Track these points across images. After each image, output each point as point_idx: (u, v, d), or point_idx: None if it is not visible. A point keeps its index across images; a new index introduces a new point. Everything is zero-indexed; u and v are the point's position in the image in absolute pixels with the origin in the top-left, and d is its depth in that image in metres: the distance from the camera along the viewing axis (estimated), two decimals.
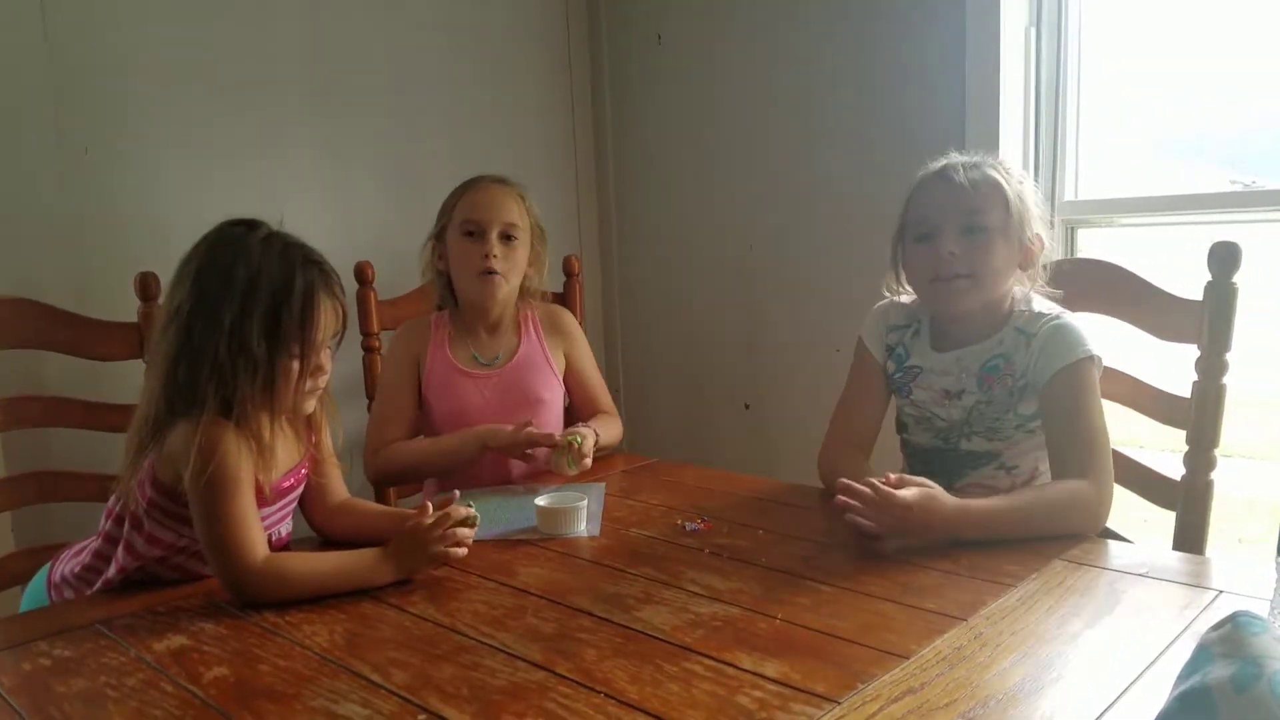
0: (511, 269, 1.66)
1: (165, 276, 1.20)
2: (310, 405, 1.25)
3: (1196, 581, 1.06)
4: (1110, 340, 1.38)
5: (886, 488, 1.15)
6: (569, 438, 1.55)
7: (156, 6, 1.84)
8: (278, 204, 1.94)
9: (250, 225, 1.17)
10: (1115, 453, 1.31)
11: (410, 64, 2.22)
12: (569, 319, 1.81)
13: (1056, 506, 1.20)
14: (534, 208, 1.71)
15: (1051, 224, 1.50)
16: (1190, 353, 1.34)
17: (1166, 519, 1.37)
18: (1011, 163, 1.40)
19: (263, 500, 1.18)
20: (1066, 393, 1.27)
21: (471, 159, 2.04)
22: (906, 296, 1.47)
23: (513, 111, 2.43)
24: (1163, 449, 1.57)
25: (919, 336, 1.44)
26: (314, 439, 1.31)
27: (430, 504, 1.21)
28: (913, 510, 1.14)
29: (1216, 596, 1.00)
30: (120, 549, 1.19)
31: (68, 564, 1.27)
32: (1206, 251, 1.32)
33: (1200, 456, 1.32)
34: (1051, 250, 1.39)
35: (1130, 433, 1.60)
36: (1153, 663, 0.87)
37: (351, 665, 0.94)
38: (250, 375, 1.12)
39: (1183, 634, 0.92)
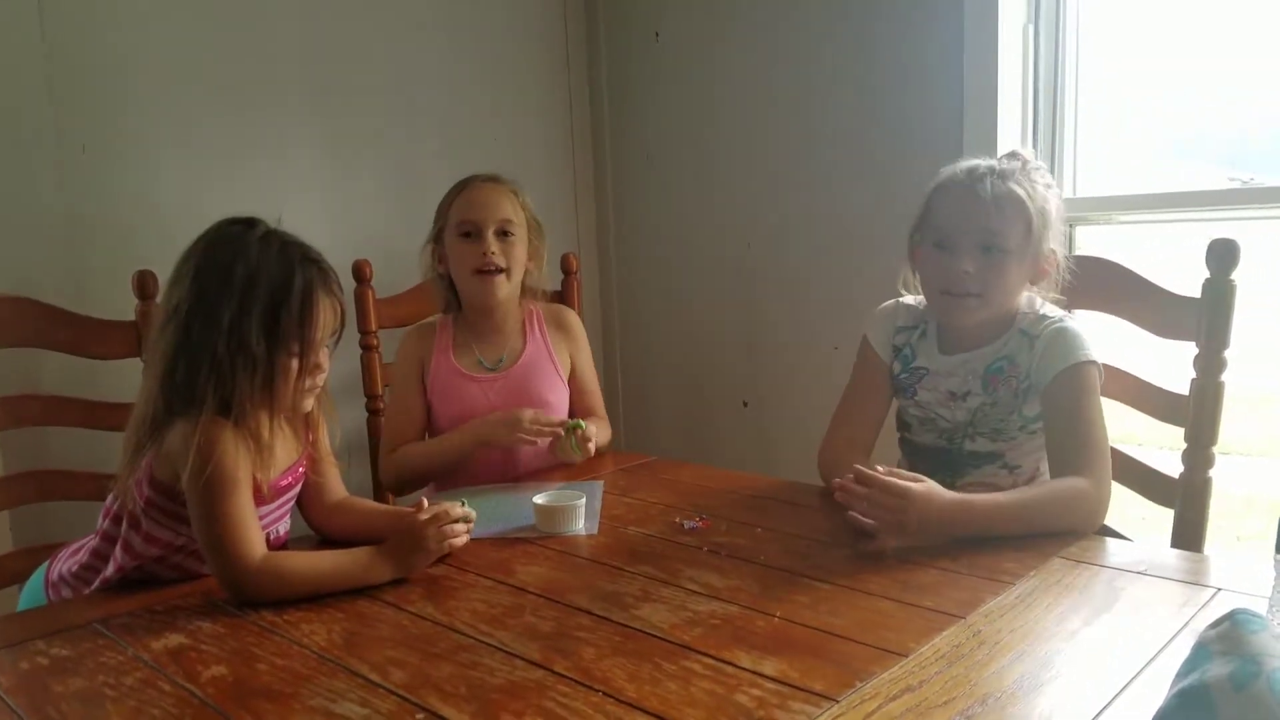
0: (511, 266, 1.66)
1: (164, 275, 1.20)
2: (309, 404, 1.25)
3: (1195, 579, 1.06)
4: (1109, 338, 1.39)
5: (885, 476, 1.15)
6: (573, 422, 1.58)
7: (155, 5, 1.83)
8: (276, 202, 1.94)
9: (249, 224, 1.17)
10: (1114, 450, 1.32)
11: (409, 63, 2.22)
12: (574, 319, 1.81)
13: (1056, 503, 1.20)
14: (529, 202, 1.71)
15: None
16: (1189, 350, 1.34)
17: (1165, 516, 1.37)
18: (1040, 169, 1.36)
19: (260, 499, 1.18)
20: (1067, 393, 1.28)
21: (469, 157, 2.04)
22: (912, 297, 1.47)
23: (511, 110, 2.43)
24: (1161, 446, 1.57)
25: (926, 338, 1.44)
26: (311, 438, 1.31)
27: (426, 501, 1.21)
28: (911, 499, 1.14)
29: (1215, 594, 1.00)
30: (118, 548, 1.19)
31: (66, 563, 1.27)
32: (1205, 249, 1.31)
33: (1199, 454, 1.32)
34: (1065, 266, 1.38)
35: (1128, 430, 1.60)
36: (1151, 660, 0.87)
37: (349, 664, 0.94)
38: (249, 373, 1.12)
39: (1181, 631, 0.92)
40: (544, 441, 1.60)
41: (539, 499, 1.34)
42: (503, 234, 1.65)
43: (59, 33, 1.73)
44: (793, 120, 2.22)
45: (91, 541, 1.24)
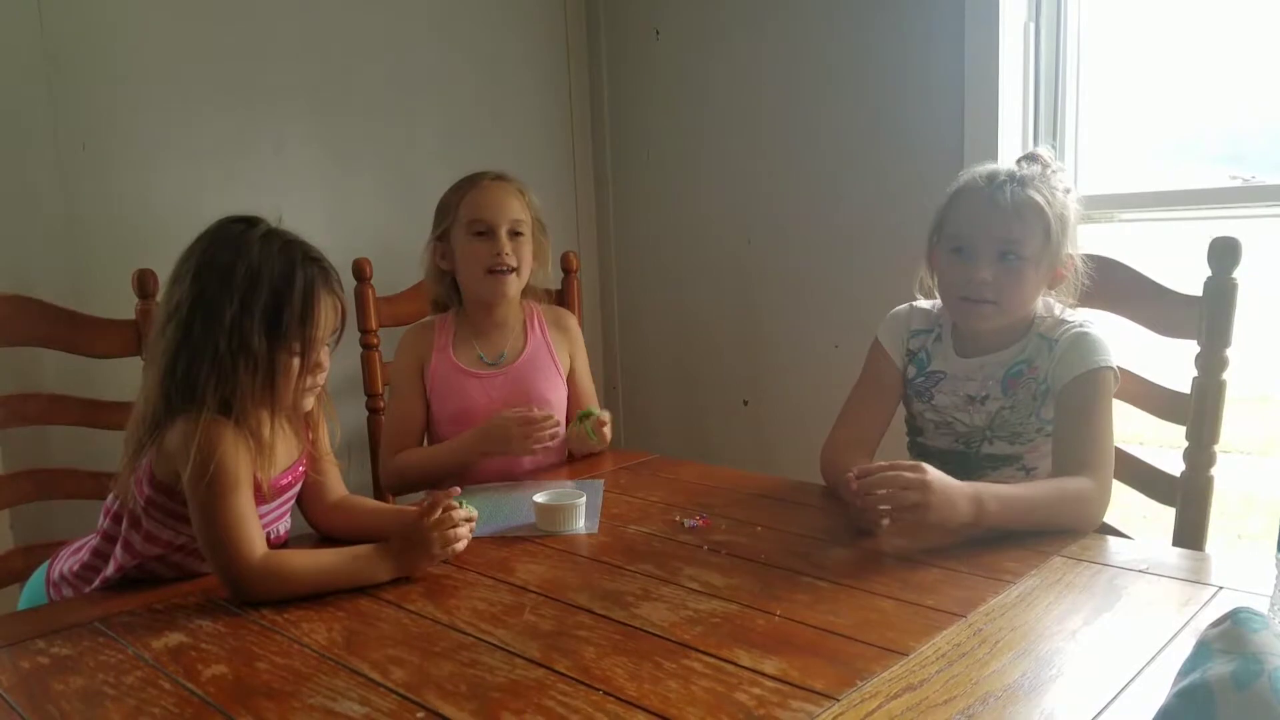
0: (521, 265, 1.66)
1: (163, 273, 1.20)
2: (309, 403, 1.25)
3: (1196, 578, 1.06)
4: (1110, 336, 1.38)
5: (906, 463, 1.14)
6: (584, 410, 1.60)
7: (154, 3, 1.83)
8: (276, 201, 1.92)
9: (249, 222, 1.17)
10: (1115, 449, 1.31)
11: (408, 61, 2.21)
12: (573, 321, 1.81)
13: (1062, 502, 1.20)
14: (535, 202, 1.71)
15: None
16: (1190, 348, 1.34)
17: (1166, 515, 1.37)
18: (1059, 172, 1.35)
19: (261, 498, 1.18)
20: (1080, 396, 1.28)
21: (469, 156, 2.04)
22: (925, 301, 1.47)
23: (511, 108, 2.42)
24: (1162, 445, 1.57)
25: (941, 341, 1.44)
26: (311, 437, 1.31)
27: (428, 502, 1.21)
28: (929, 473, 1.13)
29: (1216, 593, 1.00)
30: (119, 547, 1.19)
31: (66, 562, 1.27)
32: (1206, 247, 1.31)
33: (1200, 453, 1.32)
34: (1082, 271, 1.38)
35: (1130, 429, 1.60)
36: (1153, 659, 0.87)
37: (350, 663, 0.93)
38: (250, 371, 1.12)
39: (1182, 630, 0.92)
40: (548, 445, 1.60)
41: (539, 498, 1.34)
42: (514, 233, 1.65)
43: (59, 31, 1.73)
44: (793, 117, 2.22)
45: (92, 540, 1.24)
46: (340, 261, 1.28)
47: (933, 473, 1.13)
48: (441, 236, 1.69)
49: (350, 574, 1.12)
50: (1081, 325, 1.33)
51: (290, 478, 1.26)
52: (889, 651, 0.90)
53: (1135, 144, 2.01)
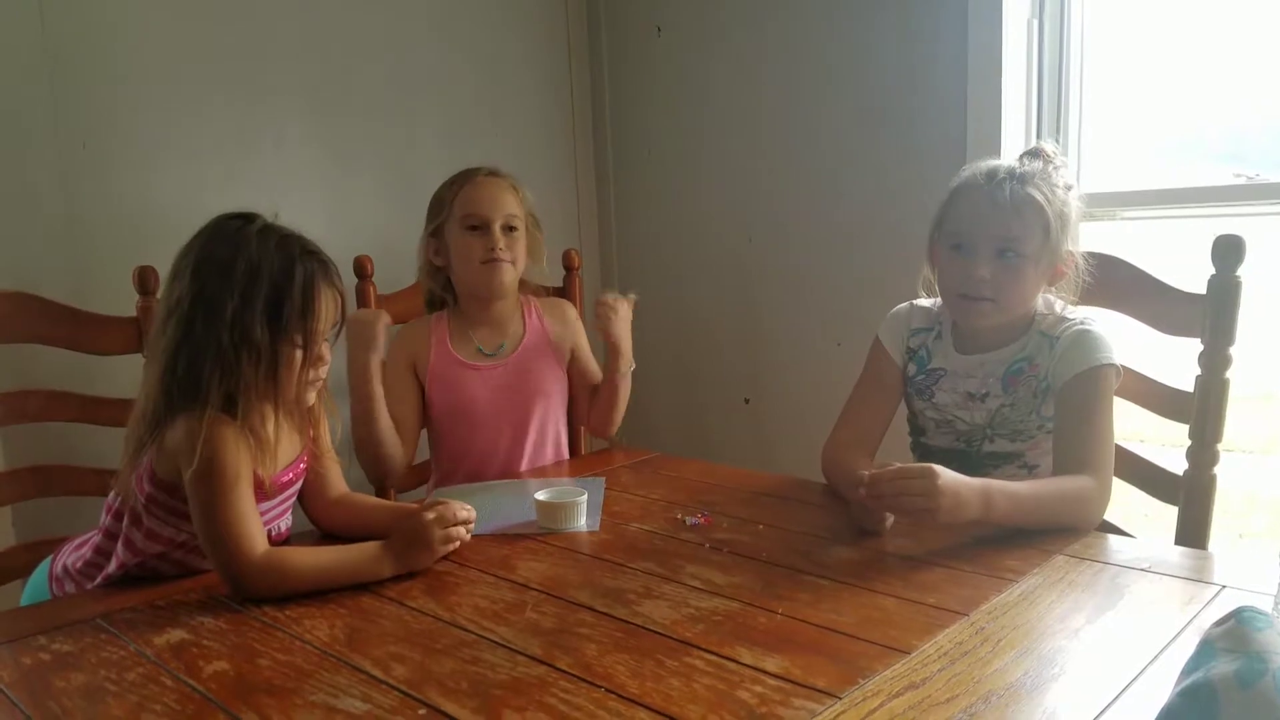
0: (516, 259, 1.66)
1: (164, 271, 1.20)
2: (311, 396, 1.25)
3: (1199, 576, 1.05)
4: (1112, 333, 1.38)
5: (917, 464, 1.14)
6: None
7: (156, 2, 1.83)
8: (276, 198, 1.94)
9: (246, 218, 1.17)
10: (1117, 447, 1.31)
11: (409, 58, 2.21)
12: (571, 309, 1.81)
13: (1065, 498, 1.20)
14: (528, 197, 1.71)
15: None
16: (1193, 347, 1.33)
17: (1168, 514, 1.36)
18: (1061, 168, 1.35)
19: (262, 495, 1.18)
20: (1082, 393, 1.28)
21: (470, 152, 2.03)
22: (926, 299, 1.47)
23: (512, 105, 2.42)
24: (1163, 443, 1.57)
25: (941, 339, 1.43)
26: (312, 433, 1.31)
27: (428, 499, 1.21)
28: (938, 475, 1.11)
29: (1219, 592, 1.00)
30: (120, 544, 1.19)
31: (70, 556, 1.27)
32: (1210, 245, 1.31)
33: (1203, 451, 1.32)
34: (1084, 267, 1.37)
35: (1132, 427, 1.60)
36: (1155, 658, 0.87)
37: (352, 660, 0.93)
38: (254, 365, 1.12)
39: (1186, 629, 0.92)
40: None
41: (541, 495, 1.33)
42: (508, 229, 1.65)
43: (60, 28, 1.73)
44: (795, 114, 2.22)
45: (95, 537, 1.24)
46: (341, 259, 1.28)
47: (942, 477, 1.11)
48: (435, 232, 1.68)
49: (351, 571, 1.12)
50: (1083, 322, 1.33)
51: (291, 475, 1.26)
52: (891, 650, 0.90)
53: (1138, 142, 2.00)
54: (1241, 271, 1.30)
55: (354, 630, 1.01)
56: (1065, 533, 1.18)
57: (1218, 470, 1.32)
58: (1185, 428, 1.34)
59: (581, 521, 1.32)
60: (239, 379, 1.12)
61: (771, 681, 0.85)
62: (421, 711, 0.83)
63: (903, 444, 1.53)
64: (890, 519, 1.21)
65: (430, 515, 1.16)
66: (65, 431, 1.64)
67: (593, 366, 1.78)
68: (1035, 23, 1.92)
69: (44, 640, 1.01)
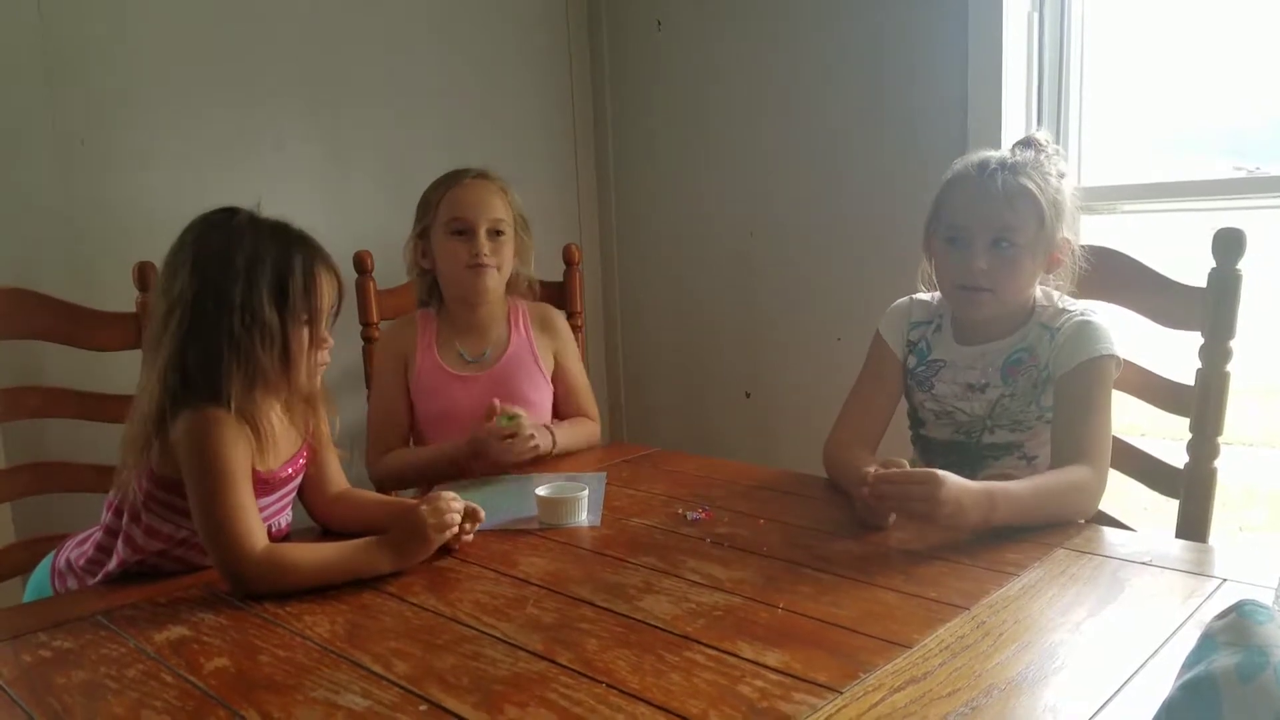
0: (501, 264, 1.65)
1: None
2: (316, 381, 1.25)
3: (1200, 570, 1.05)
4: (1112, 325, 1.38)
5: (922, 470, 1.13)
6: (514, 410, 1.51)
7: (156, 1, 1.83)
8: (276, 195, 1.91)
9: (230, 212, 1.18)
10: (1117, 440, 1.31)
11: (408, 54, 2.20)
12: (559, 318, 1.79)
13: (1065, 491, 1.20)
14: (516, 199, 1.70)
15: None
16: (1194, 340, 1.33)
17: (1169, 507, 1.37)
18: (1054, 156, 1.34)
19: (262, 490, 1.18)
20: (1080, 385, 1.28)
21: (470, 148, 2.03)
22: (926, 293, 1.47)
23: (512, 100, 2.41)
24: (1164, 436, 1.56)
25: (941, 331, 1.43)
26: (312, 427, 1.30)
27: (428, 495, 1.20)
28: (941, 481, 1.10)
29: (1220, 585, 1.00)
30: (120, 541, 1.19)
31: (72, 552, 1.27)
32: (1210, 238, 1.31)
33: (1203, 444, 1.32)
34: (1080, 255, 1.37)
35: (1132, 420, 1.60)
36: (1157, 651, 0.87)
37: (352, 655, 0.93)
38: (267, 347, 1.13)
39: (1186, 622, 0.92)
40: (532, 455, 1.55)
41: (541, 491, 1.33)
42: (495, 233, 1.64)
43: (58, 25, 1.72)
44: (796, 109, 2.21)
45: (96, 534, 1.24)
46: (341, 255, 1.28)
47: (945, 485, 1.10)
48: (422, 234, 1.68)
49: (351, 566, 1.12)
50: (1083, 314, 1.33)
51: (291, 470, 1.26)
52: (892, 644, 0.90)
53: (1138, 135, 2.00)
54: (1242, 265, 1.30)
55: (355, 626, 1.01)
56: (1066, 526, 1.18)
57: (1218, 463, 1.32)
58: (1186, 421, 1.34)
59: (583, 517, 1.31)
60: (254, 365, 1.13)
61: (772, 676, 0.85)
62: (422, 707, 0.83)
63: (903, 437, 1.53)
64: (893, 515, 1.21)
65: (425, 508, 1.16)
66: (64, 428, 1.64)
67: (575, 380, 1.76)
68: (1036, 16, 1.91)
69: (44, 637, 1.01)
